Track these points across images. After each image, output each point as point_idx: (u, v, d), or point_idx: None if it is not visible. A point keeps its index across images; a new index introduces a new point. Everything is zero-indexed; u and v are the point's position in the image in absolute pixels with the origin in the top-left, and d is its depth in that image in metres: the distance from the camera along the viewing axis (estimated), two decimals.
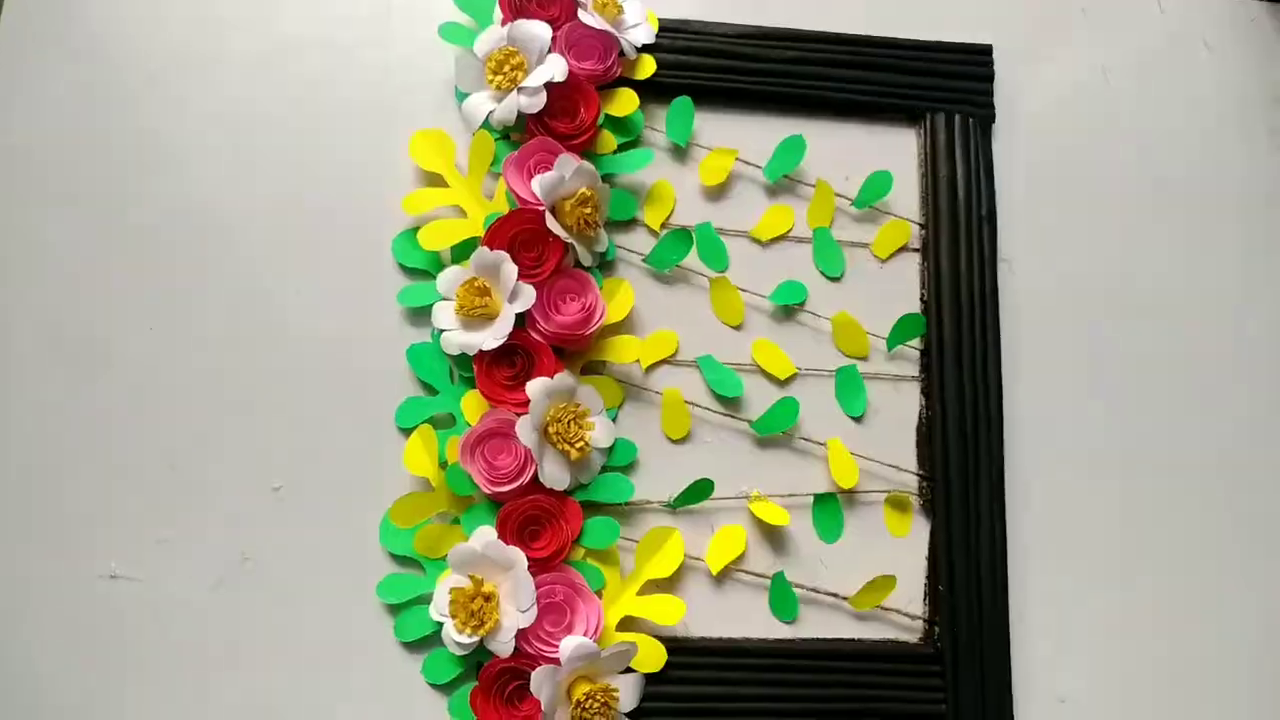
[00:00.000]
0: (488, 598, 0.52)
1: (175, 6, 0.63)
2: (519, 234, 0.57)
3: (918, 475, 0.61)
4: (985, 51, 0.68)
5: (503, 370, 0.56)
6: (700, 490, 0.57)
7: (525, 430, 0.54)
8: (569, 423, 0.55)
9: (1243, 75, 0.72)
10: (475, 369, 0.56)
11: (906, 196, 0.65)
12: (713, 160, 0.63)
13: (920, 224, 0.65)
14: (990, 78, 0.68)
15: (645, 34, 0.63)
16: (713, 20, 0.66)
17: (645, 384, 0.59)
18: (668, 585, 0.56)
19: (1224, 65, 0.72)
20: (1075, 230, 0.67)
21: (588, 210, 0.57)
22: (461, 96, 0.61)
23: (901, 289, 0.64)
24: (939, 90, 0.67)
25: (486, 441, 0.55)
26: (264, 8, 0.63)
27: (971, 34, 0.69)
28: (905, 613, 0.58)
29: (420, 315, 0.59)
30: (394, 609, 0.55)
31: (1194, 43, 0.72)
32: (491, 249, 0.56)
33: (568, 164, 0.57)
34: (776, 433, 0.59)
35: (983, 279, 0.64)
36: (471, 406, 0.57)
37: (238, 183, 0.60)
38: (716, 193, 0.64)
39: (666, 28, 0.65)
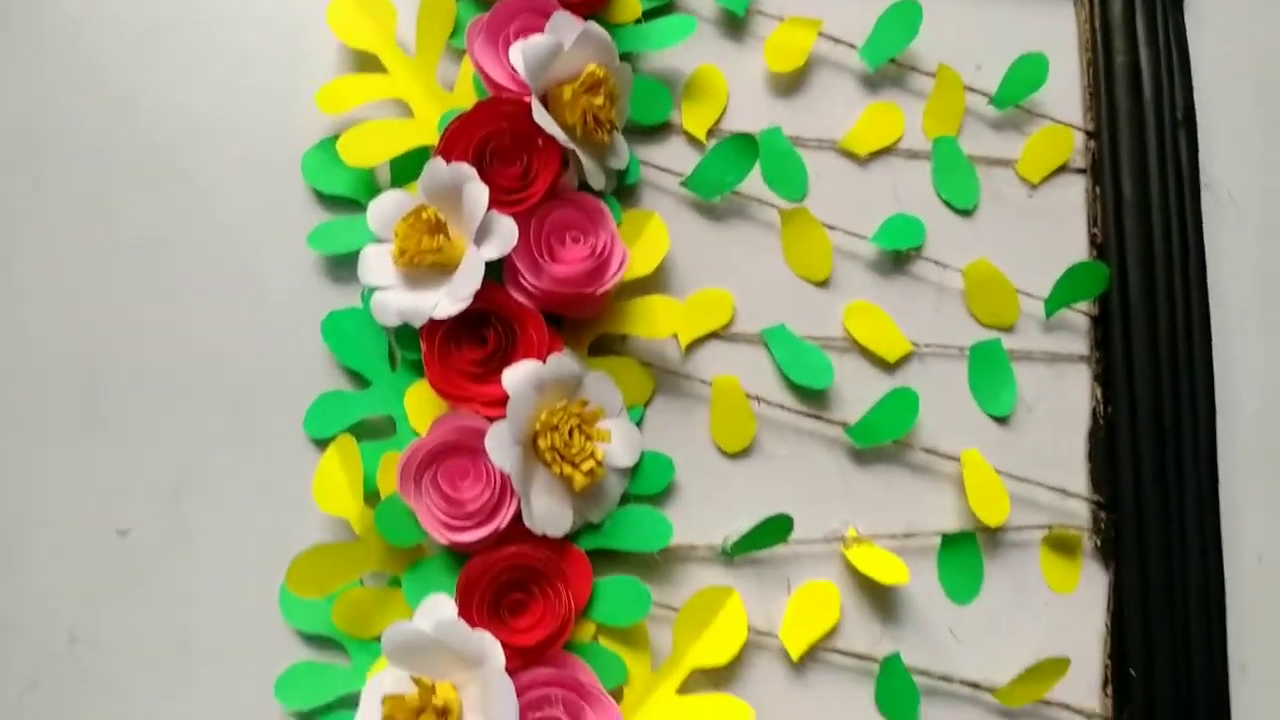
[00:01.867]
0: (443, 713, 0.38)
1: None
2: (492, 138, 0.43)
3: (1091, 502, 0.49)
4: None
5: (468, 350, 0.43)
6: (772, 530, 0.45)
7: (500, 445, 0.40)
8: (571, 431, 0.41)
9: None
10: (424, 348, 0.43)
11: (1067, 92, 0.53)
12: (785, 36, 0.50)
13: (1088, 131, 0.52)
14: None
15: None
16: None
17: (686, 369, 0.48)
18: (724, 677, 0.45)
19: None
20: None
21: (599, 100, 0.42)
22: None
23: (1063, 226, 0.52)
24: None
25: (441, 461, 0.42)
26: None
27: None
28: (1078, 709, 0.47)
29: (344, 266, 0.46)
30: (303, 718, 0.42)
31: None
32: (449, 161, 0.42)
33: (567, 26, 0.42)
34: (884, 442, 0.48)
35: (1182, 210, 0.51)
36: (419, 406, 0.44)
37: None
38: (790, 84, 0.52)
39: None
